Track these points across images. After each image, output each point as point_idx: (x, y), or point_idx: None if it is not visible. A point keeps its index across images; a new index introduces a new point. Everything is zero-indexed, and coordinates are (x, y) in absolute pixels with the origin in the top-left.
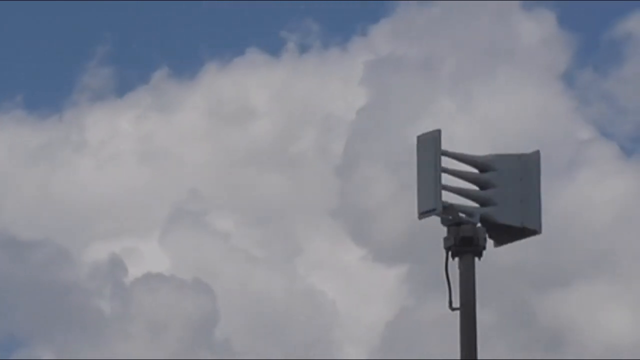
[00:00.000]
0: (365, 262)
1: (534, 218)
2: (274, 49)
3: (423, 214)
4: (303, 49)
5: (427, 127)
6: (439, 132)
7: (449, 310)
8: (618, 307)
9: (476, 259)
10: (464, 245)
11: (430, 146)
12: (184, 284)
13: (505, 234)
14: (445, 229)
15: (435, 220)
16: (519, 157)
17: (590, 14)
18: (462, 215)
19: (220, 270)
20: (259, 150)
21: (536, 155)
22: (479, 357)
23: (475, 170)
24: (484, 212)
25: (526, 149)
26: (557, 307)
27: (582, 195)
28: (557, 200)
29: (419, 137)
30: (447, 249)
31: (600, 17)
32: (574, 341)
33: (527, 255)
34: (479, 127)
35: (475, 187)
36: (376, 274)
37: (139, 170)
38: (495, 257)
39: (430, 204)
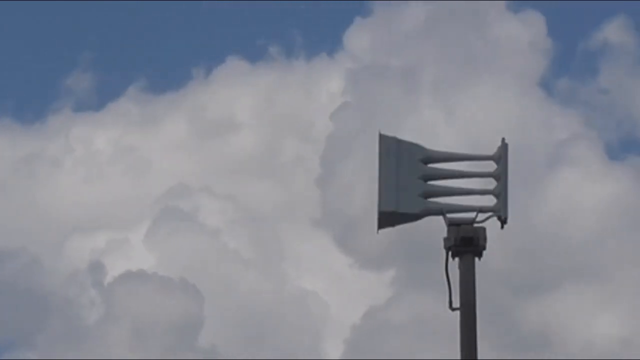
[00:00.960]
0: (351, 269)
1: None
2: (256, 57)
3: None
4: (285, 56)
5: (409, 134)
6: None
7: (449, 310)
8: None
9: (476, 259)
10: (464, 245)
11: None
12: (170, 285)
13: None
14: (445, 229)
15: (434, 221)
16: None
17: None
18: None
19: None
20: (242, 160)
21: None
22: (479, 357)
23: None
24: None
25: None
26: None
27: (566, 199)
28: (541, 203)
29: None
30: (447, 249)
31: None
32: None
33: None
34: (461, 132)
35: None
36: (362, 278)
37: (122, 179)
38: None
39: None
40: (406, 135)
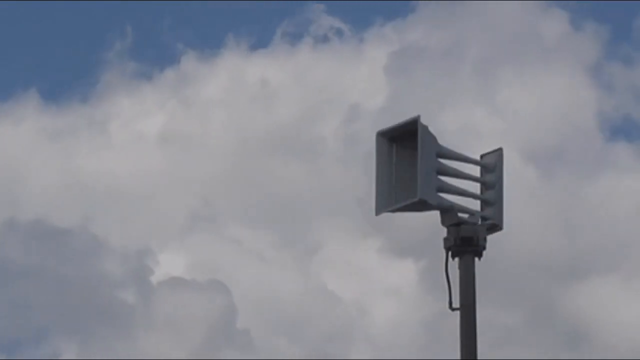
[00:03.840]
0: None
1: (498, 213)
2: (296, 37)
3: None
4: (325, 38)
5: (450, 117)
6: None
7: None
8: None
9: (476, 259)
10: (464, 245)
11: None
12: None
13: None
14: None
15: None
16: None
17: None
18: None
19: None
20: (280, 136)
21: (499, 151)
22: (479, 357)
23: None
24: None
25: (551, 141)
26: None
27: (606, 189)
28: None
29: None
30: (447, 249)
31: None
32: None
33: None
34: (502, 118)
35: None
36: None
37: (160, 155)
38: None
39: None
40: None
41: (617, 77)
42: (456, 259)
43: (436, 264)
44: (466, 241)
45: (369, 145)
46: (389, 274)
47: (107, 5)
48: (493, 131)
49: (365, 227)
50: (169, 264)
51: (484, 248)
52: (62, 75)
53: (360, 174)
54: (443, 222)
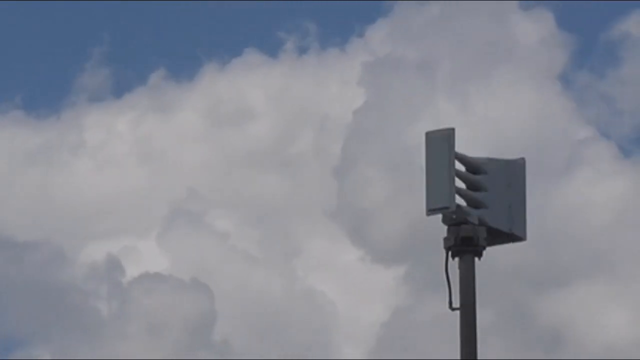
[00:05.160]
0: (363, 263)
1: (520, 225)
2: (272, 49)
3: (432, 210)
4: (301, 50)
5: (425, 128)
6: (452, 130)
7: (449, 310)
8: (617, 307)
9: (476, 259)
10: (464, 245)
11: (443, 144)
12: (182, 284)
13: (492, 236)
14: (444, 228)
15: (434, 221)
16: (507, 162)
17: (588, 14)
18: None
19: (218, 270)
20: (257, 151)
21: (522, 161)
22: (479, 357)
23: (465, 171)
24: (479, 214)
25: (524, 149)
26: (556, 307)
27: (581, 195)
28: (554, 200)
29: (428, 134)
30: (447, 249)
31: (598, 18)
32: (572, 341)
33: (526, 256)
34: (476, 128)
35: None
36: (374, 274)
37: (136, 171)
38: (493, 258)
39: (443, 202)
40: (422, 128)
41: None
42: (456, 259)
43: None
44: (466, 241)
45: None
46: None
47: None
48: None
49: None
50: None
51: (484, 248)
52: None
53: None
54: (444, 221)
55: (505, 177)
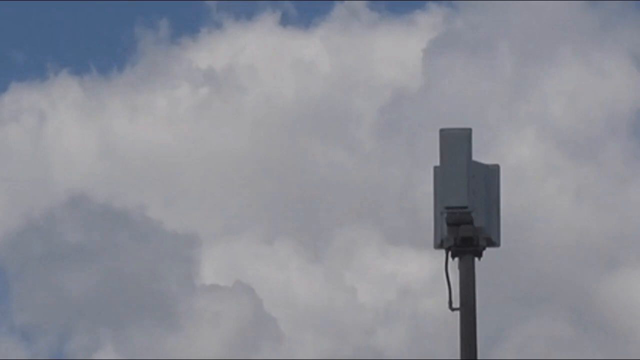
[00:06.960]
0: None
1: (495, 230)
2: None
3: (450, 209)
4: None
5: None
6: (470, 130)
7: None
8: None
9: (476, 259)
10: (464, 245)
11: (461, 143)
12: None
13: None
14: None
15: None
16: (486, 167)
17: None
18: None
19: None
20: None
21: (496, 167)
22: (479, 357)
23: None
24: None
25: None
26: None
27: None
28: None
29: (443, 132)
30: (447, 249)
31: None
32: None
33: None
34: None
35: None
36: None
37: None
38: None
39: (461, 201)
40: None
41: None
42: (456, 259)
43: None
44: (466, 241)
45: None
46: None
47: None
48: None
49: None
50: None
51: (484, 248)
52: None
53: None
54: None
55: (484, 182)
